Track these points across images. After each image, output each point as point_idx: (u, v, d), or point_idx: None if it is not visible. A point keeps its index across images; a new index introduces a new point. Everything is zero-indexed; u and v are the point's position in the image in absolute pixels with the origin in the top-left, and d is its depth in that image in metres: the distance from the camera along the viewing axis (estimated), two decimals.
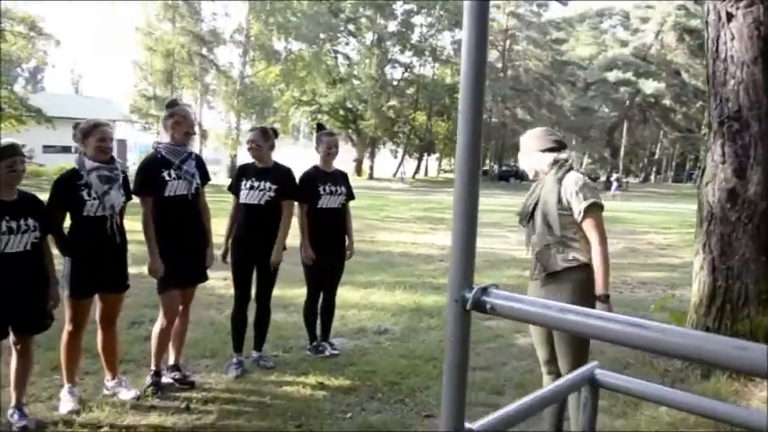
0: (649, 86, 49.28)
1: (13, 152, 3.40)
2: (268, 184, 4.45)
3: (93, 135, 3.78)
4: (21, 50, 30.13)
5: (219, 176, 36.78)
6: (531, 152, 3.30)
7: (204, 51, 37.18)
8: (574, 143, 60.26)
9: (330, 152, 4.87)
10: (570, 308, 1.03)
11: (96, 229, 3.71)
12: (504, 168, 51.48)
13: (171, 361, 4.27)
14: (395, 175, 49.72)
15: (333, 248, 4.86)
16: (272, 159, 4.59)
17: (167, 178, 3.93)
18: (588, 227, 3.07)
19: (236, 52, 40.16)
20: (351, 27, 46.13)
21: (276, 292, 4.72)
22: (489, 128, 50.93)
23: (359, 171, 47.70)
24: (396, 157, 53.51)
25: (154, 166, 3.96)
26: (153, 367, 4.11)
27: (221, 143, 39.32)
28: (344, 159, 49.16)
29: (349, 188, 5.01)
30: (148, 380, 4.08)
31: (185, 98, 37.39)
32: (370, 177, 46.55)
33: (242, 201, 4.49)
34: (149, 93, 37.63)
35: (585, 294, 3.03)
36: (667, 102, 51.83)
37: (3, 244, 3.32)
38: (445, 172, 57.05)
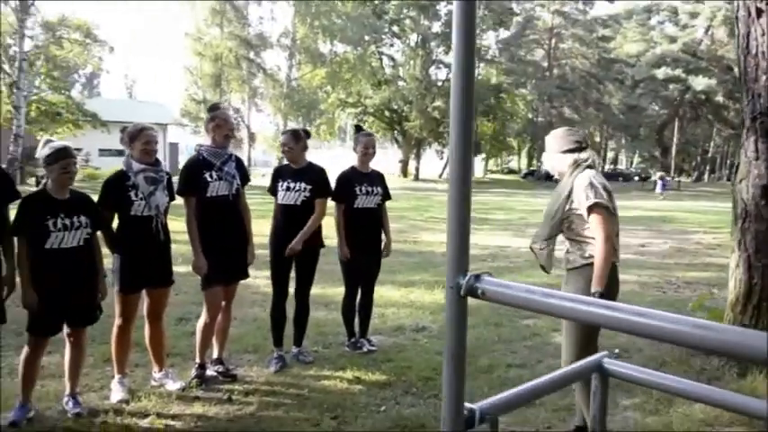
0: (700, 83, 47.96)
1: (66, 155, 3.62)
2: (303, 185, 4.60)
3: (139, 139, 3.98)
4: (77, 57, 31.25)
5: (268, 178, 37.47)
6: (553, 153, 3.39)
7: (251, 55, 37.91)
8: (623, 142, 59.15)
9: (367, 153, 4.97)
10: (553, 293, 1.11)
11: (142, 228, 3.91)
12: None
13: (215, 355, 4.45)
14: (440, 176, 49.65)
15: (369, 247, 4.97)
16: (305, 160, 4.73)
17: (209, 179, 4.11)
18: (592, 225, 3.17)
19: (283, 56, 40.93)
20: (395, 29, 46.31)
21: (317, 290, 4.86)
22: (536, 127, 50.41)
23: (404, 172, 47.81)
24: (441, 157, 53.43)
25: (196, 167, 4.15)
26: (198, 360, 4.29)
27: (269, 145, 40.04)
28: (390, 161, 49.55)
29: (385, 188, 5.11)
30: (193, 372, 4.26)
31: (233, 102, 38.28)
32: (416, 178, 46.61)
33: (279, 201, 4.65)
34: (199, 96, 38.60)
35: (605, 288, 3.11)
36: (719, 98, 50.35)
37: (58, 240, 3.54)
38: (492, 172, 56.68)
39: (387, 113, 47.71)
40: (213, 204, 4.14)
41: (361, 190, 4.89)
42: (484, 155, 56.10)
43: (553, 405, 3.81)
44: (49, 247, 3.52)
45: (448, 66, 48.74)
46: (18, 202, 3.58)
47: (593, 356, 1.89)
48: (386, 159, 51.64)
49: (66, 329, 3.71)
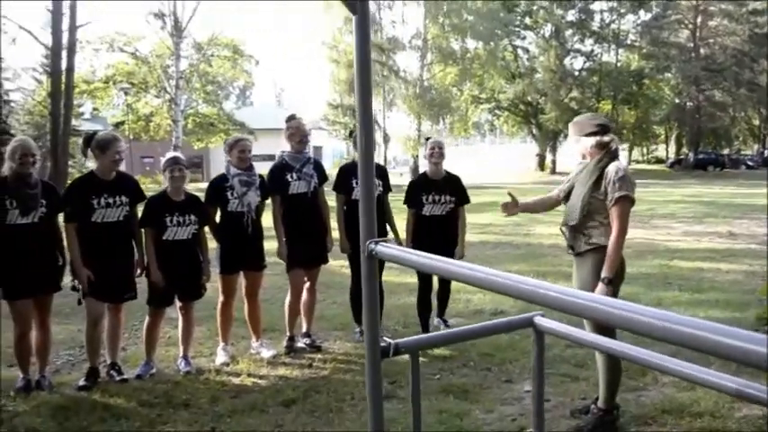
0: None
1: (172, 163, 4.54)
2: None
3: (236, 148, 4.83)
4: (226, 72, 34.21)
5: (405, 177, 38.63)
6: (576, 137, 3.57)
7: (384, 59, 39.14)
8: None
9: (433, 153, 5.25)
10: (437, 258, 1.55)
11: (237, 222, 4.75)
12: (700, 156, 47.22)
13: (303, 329, 5.21)
14: None
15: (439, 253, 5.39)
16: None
17: (290, 179, 4.88)
18: (614, 215, 3.33)
19: (415, 56, 41.76)
20: (527, 20, 45.54)
21: (408, 279, 5.31)
22: (683, 112, 47.29)
23: (541, 166, 46.90)
24: None
25: (279, 170, 4.94)
26: (287, 333, 5.08)
27: (403, 146, 41.15)
28: (526, 154, 48.78)
29: (459, 194, 5.32)
30: (284, 343, 5.06)
31: None
32: (553, 172, 45.54)
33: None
34: (336, 102, 40.53)
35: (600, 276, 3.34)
36: None
37: (172, 233, 4.46)
38: (637, 162, 53.66)
39: (521, 107, 47.04)
40: (295, 201, 4.90)
41: (427, 199, 5.19)
42: (626, 144, 53.23)
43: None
44: (165, 238, 4.45)
45: (585, 54, 46.98)
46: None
47: (526, 315, 2.29)
48: (524, 153, 50.92)
49: (178, 303, 4.64)
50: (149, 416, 3.88)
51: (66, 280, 4.39)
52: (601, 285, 3.29)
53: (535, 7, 44.72)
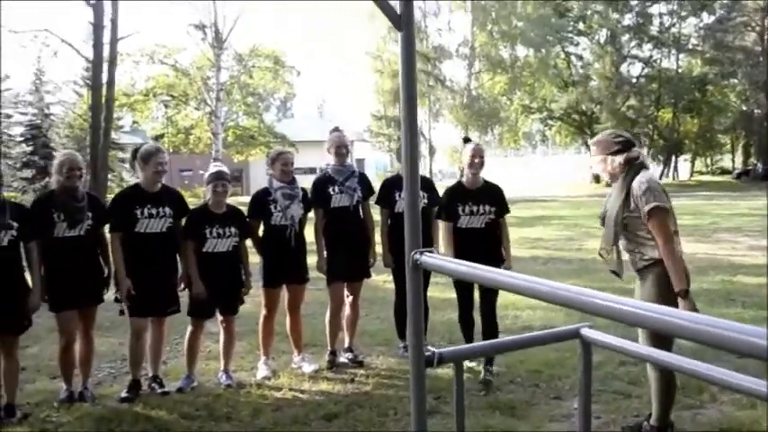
0: None
1: (216, 177, 4.55)
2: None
3: (278, 161, 4.81)
4: (267, 84, 34.15)
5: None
6: (600, 156, 3.48)
7: (429, 68, 38.95)
8: None
9: (473, 162, 4.72)
10: (480, 267, 1.55)
11: (280, 235, 4.72)
12: None
13: (346, 344, 5.13)
14: None
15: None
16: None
17: (332, 193, 4.83)
18: (653, 229, 3.24)
19: (462, 65, 41.49)
20: (580, 26, 44.58)
21: (445, 294, 5.17)
22: (750, 120, 45.40)
23: (596, 178, 45.75)
24: None
25: (322, 183, 4.90)
26: (329, 347, 5.01)
27: (449, 157, 40.83)
28: (580, 166, 47.72)
29: (499, 204, 4.78)
30: (326, 357, 4.99)
31: None
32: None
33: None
34: (380, 113, 40.50)
35: (664, 290, 3.23)
36: None
37: (212, 245, 4.46)
38: (700, 174, 51.70)
39: (574, 116, 46.08)
40: (337, 214, 4.84)
41: (464, 210, 4.67)
42: (688, 155, 51.41)
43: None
44: (205, 250, 4.45)
45: (643, 60, 45.66)
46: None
47: (572, 326, 2.16)
48: (581, 163, 49.75)
49: (219, 317, 4.63)
50: (191, 428, 3.88)
51: (110, 292, 4.44)
52: (681, 301, 3.19)
53: (589, 12, 43.61)
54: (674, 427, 3.47)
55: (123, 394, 4.31)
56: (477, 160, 4.71)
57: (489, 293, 4.75)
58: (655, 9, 44.36)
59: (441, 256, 1.74)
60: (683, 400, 3.76)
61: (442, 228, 4.81)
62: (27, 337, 4.32)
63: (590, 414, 2.06)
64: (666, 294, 3.18)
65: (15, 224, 3.95)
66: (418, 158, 1.79)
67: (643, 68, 46.03)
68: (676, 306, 3.22)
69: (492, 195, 4.79)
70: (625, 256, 3.51)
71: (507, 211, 4.90)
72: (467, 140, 5.05)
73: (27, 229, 4.03)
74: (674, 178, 49.46)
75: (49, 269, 4.15)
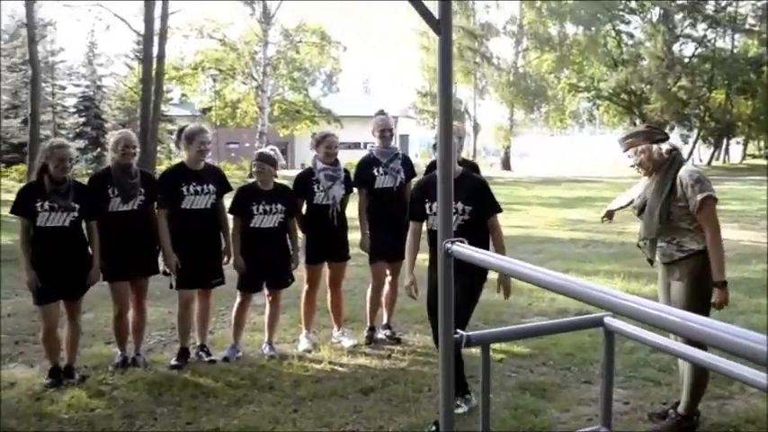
0: None
1: (258, 158, 4.75)
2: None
3: (323, 144, 4.97)
4: (313, 59, 34.21)
5: (496, 168, 38.11)
6: (641, 147, 3.49)
7: (476, 45, 38.42)
8: None
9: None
10: (508, 259, 1.67)
11: (322, 214, 4.88)
12: None
13: (384, 321, 5.29)
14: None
15: None
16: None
17: (376, 174, 4.96)
18: (703, 218, 3.28)
19: (509, 42, 40.82)
20: (632, 4, 43.33)
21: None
22: None
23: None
24: (686, 142, 48.80)
25: (367, 164, 5.03)
26: (368, 324, 5.18)
27: (494, 136, 40.44)
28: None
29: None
30: (365, 333, 5.17)
31: (459, 93, 39.27)
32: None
33: None
34: (425, 89, 40.23)
35: (701, 281, 3.29)
36: None
37: (259, 221, 4.65)
38: (754, 157, 49.99)
39: (623, 96, 44.99)
40: (380, 195, 4.98)
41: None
42: (741, 138, 49.87)
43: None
44: (252, 225, 4.64)
45: (696, 40, 44.19)
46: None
47: (595, 314, 2.24)
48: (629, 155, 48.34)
49: (266, 291, 4.83)
50: (236, 395, 4.10)
51: (159, 266, 4.68)
52: (717, 291, 3.27)
53: None
54: (700, 416, 3.52)
55: (173, 362, 4.57)
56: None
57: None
58: None
59: (471, 247, 1.82)
60: (711, 390, 3.78)
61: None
62: (83, 303, 4.59)
63: (611, 401, 2.15)
64: (701, 287, 3.24)
65: (77, 206, 4.21)
66: (453, 154, 1.87)
67: (696, 48, 44.52)
68: (707, 298, 3.28)
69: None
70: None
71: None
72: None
73: (88, 209, 4.29)
74: (724, 161, 48.14)
75: (103, 241, 4.40)
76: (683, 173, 3.35)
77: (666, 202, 3.37)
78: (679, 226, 3.37)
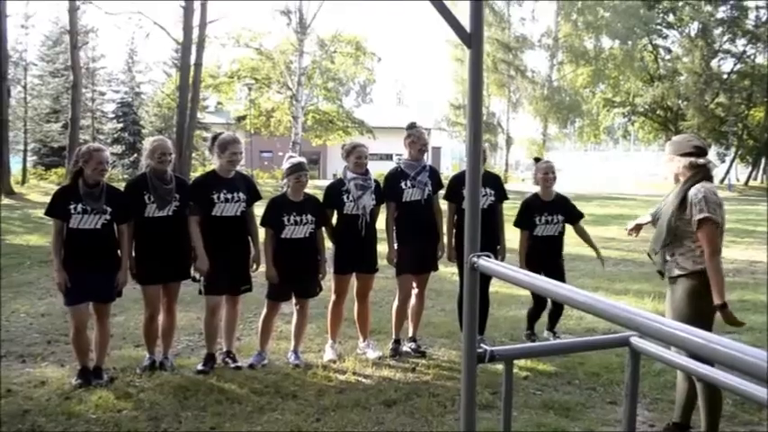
0: None
1: (298, 168, 4.78)
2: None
3: (353, 154, 5.00)
4: (347, 69, 34.58)
5: (528, 183, 37.73)
6: (670, 156, 3.47)
7: (510, 58, 38.34)
8: None
9: (547, 178, 5.46)
10: (536, 276, 1.68)
11: (352, 224, 4.91)
12: None
13: (410, 334, 5.28)
14: (722, 181, 44.23)
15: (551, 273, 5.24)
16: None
17: (404, 187, 4.97)
18: (701, 238, 3.23)
19: (544, 56, 40.67)
20: (670, 18, 42.74)
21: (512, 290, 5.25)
22: None
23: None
24: (723, 161, 47.72)
25: (394, 177, 5.05)
26: (394, 336, 5.18)
27: (527, 149, 40.19)
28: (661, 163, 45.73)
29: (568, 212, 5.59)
30: (390, 345, 5.16)
31: (492, 106, 39.19)
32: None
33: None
34: (458, 102, 40.23)
35: (697, 300, 3.25)
36: None
37: (290, 232, 4.70)
38: None
39: (659, 112, 44.34)
40: (408, 208, 4.98)
41: (540, 220, 5.41)
42: None
43: None
44: (283, 236, 4.69)
45: (735, 56, 43.37)
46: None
47: (621, 334, 2.22)
48: (659, 162, 47.71)
49: (294, 300, 4.87)
50: (260, 402, 4.12)
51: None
52: (720, 312, 3.21)
53: (680, 3, 41.72)
54: None
55: (200, 367, 4.63)
56: (550, 176, 5.48)
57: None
58: (751, 2, 42.00)
59: (496, 262, 1.83)
60: (740, 415, 3.71)
61: (521, 237, 5.50)
62: (114, 306, 4.67)
63: (635, 422, 2.12)
64: (697, 307, 3.21)
65: (109, 209, 4.30)
66: (481, 167, 1.86)
67: (735, 64, 43.69)
68: (704, 318, 3.21)
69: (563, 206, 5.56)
70: None
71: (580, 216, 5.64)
72: (537, 160, 5.73)
73: (120, 212, 4.39)
74: (762, 181, 46.90)
75: (138, 246, 4.49)
76: (693, 190, 3.31)
77: (674, 215, 3.35)
78: (683, 243, 3.35)
